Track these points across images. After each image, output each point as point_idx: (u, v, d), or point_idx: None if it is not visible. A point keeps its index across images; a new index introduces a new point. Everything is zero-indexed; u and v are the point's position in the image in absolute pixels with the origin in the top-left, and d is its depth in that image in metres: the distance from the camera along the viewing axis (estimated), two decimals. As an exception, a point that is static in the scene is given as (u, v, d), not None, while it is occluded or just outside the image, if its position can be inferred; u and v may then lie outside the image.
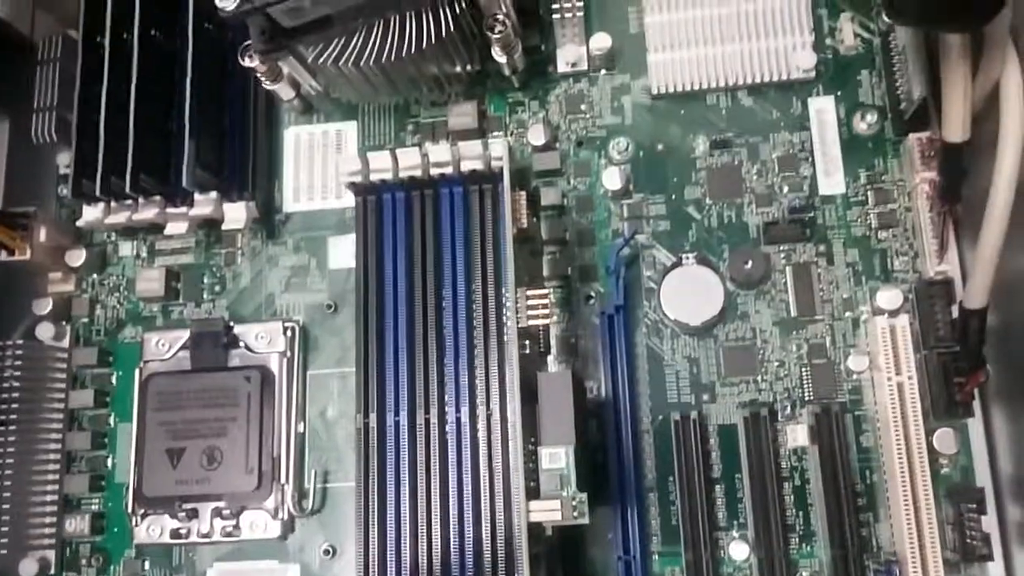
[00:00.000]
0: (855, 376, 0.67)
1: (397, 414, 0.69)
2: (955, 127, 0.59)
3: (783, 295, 0.70)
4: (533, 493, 0.58)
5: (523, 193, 0.65)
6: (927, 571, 0.59)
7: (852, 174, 0.71)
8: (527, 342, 0.65)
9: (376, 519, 0.67)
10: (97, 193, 0.75)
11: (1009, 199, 0.54)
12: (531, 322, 0.62)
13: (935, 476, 0.62)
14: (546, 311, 0.62)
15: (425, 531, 0.66)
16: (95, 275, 0.81)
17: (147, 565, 0.73)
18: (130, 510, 0.71)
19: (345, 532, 0.70)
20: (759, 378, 0.68)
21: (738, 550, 0.65)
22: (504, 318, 0.64)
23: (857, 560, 0.62)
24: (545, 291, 0.62)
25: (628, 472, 0.67)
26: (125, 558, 0.73)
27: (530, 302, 0.63)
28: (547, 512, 0.53)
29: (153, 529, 0.71)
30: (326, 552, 0.71)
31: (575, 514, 0.54)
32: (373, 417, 0.69)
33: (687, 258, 0.71)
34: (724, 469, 0.67)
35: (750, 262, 0.69)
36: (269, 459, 0.71)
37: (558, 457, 0.55)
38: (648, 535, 0.67)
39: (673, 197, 0.73)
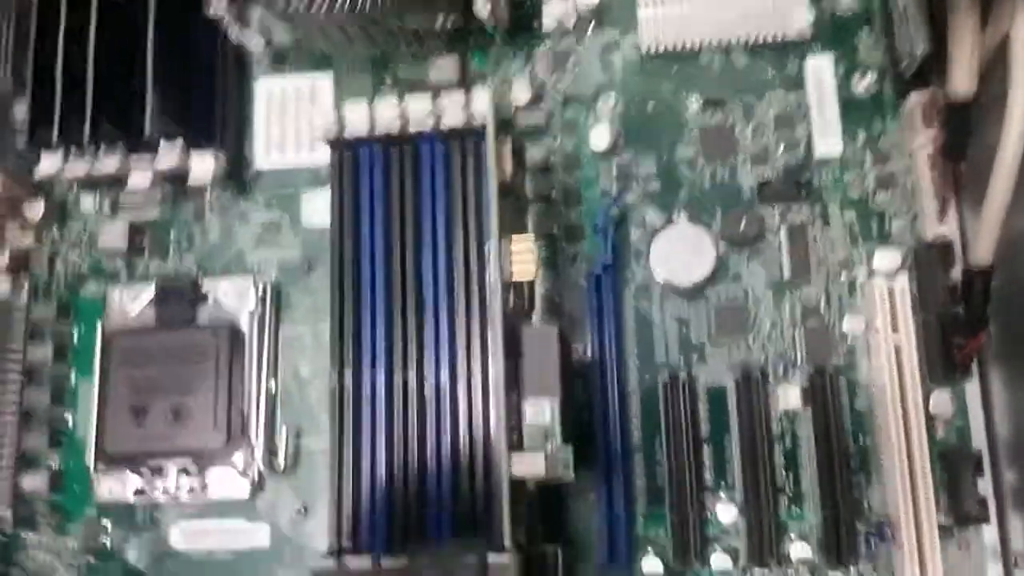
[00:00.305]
0: (850, 339, 0.65)
1: (374, 372, 0.67)
2: (962, 80, 0.58)
3: (777, 256, 0.68)
4: (516, 448, 0.56)
5: (508, 141, 0.62)
6: (920, 534, 0.58)
7: (850, 134, 0.69)
8: (511, 295, 0.62)
9: (351, 478, 0.65)
10: (54, 140, 0.71)
11: (1019, 152, 0.53)
12: (516, 275, 0.59)
13: (930, 439, 0.61)
14: (531, 260, 0.59)
15: (401, 490, 0.64)
16: (55, 228, 0.77)
17: (108, 524, 0.69)
18: (91, 467, 0.68)
19: (318, 492, 0.67)
20: (751, 340, 0.67)
21: (726, 512, 0.63)
22: (487, 271, 0.62)
23: (848, 522, 0.60)
24: (529, 236, 0.60)
25: (613, 433, 0.65)
26: (85, 517, 0.70)
27: (515, 250, 0.60)
28: (530, 466, 0.51)
29: (115, 487, 0.68)
30: (298, 512, 0.68)
31: (560, 468, 0.51)
32: (349, 375, 0.67)
33: (678, 218, 0.69)
34: (713, 431, 0.65)
35: (744, 222, 0.67)
36: (238, 416, 0.68)
37: (542, 410, 0.53)
38: (633, 497, 0.65)
39: (664, 157, 0.71)
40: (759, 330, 0.67)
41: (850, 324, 0.65)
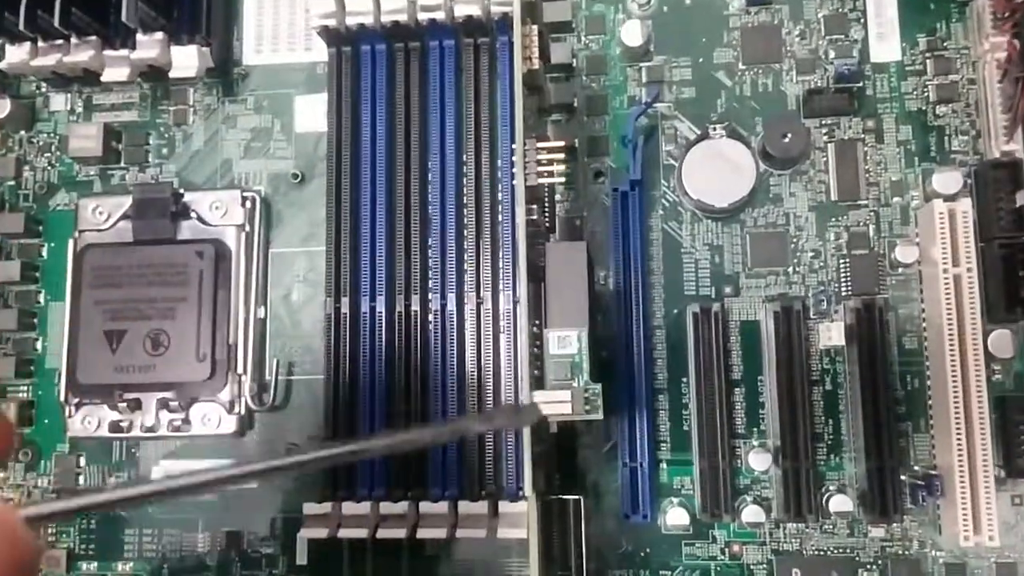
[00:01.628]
0: (901, 270, 0.59)
1: (373, 299, 0.60)
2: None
3: (823, 176, 0.61)
4: (537, 384, 0.50)
5: (535, 28, 0.54)
6: (975, 486, 0.53)
7: (909, 39, 0.61)
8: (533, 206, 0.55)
9: (345, 417, 0.59)
10: (20, 27, 0.63)
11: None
12: (541, 179, 0.52)
13: (988, 383, 0.55)
14: (560, 167, 0.52)
15: (403, 424, 0.58)
16: (22, 132, 0.70)
17: (82, 461, 0.64)
18: (63, 399, 0.62)
19: (311, 430, 0.61)
20: (790, 270, 0.60)
21: (758, 460, 0.57)
22: (504, 181, 0.55)
23: (893, 473, 0.55)
24: (559, 143, 0.52)
25: (637, 371, 0.59)
26: (57, 453, 0.64)
27: (540, 156, 0.53)
28: (555, 404, 0.44)
29: (89, 421, 0.62)
30: (288, 451, 0.62)
31: (587, 408, 0.45)
32: (345, 302, 0.60)
33: (714, 130, 0.62)
34: (745, 370, 0.59)
35: (788, 136, 0.59)
36: (224, 346, 0.62)
37: (568, 342, 0.46)
38: (656, 441, 0.59)
39: (701, 60, 0.63)
40: (800, 259, 0.60)
41: (902, 253, 0.58)
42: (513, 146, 0.53)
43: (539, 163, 0.53)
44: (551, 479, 0.55)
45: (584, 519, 0.52)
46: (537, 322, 0.48)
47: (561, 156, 0.53)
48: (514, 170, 0.53)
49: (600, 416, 0.45)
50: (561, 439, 0.56)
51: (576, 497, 0.51)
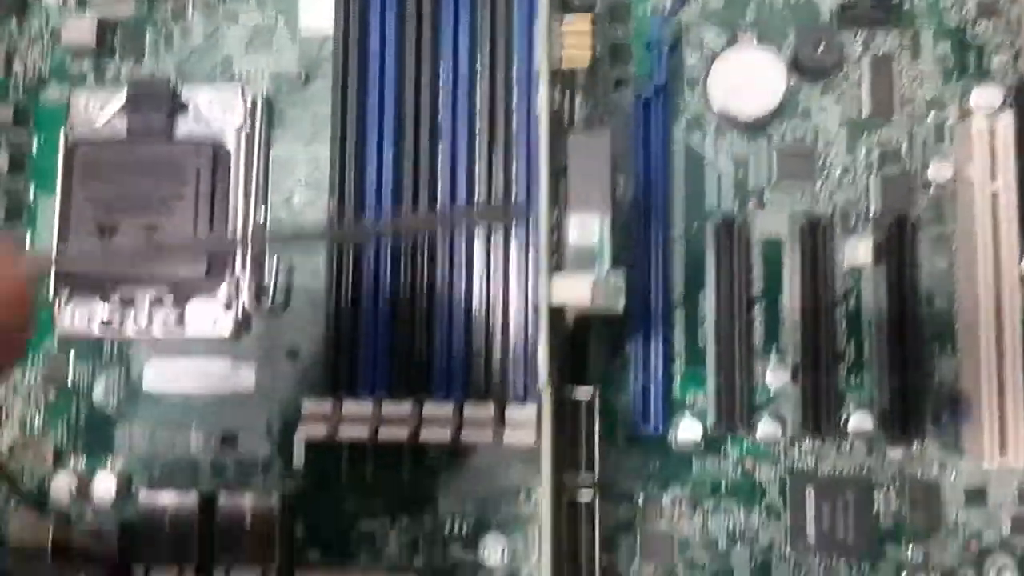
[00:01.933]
0: (933, 188, 0.57)
1: (378, 202, 0.58)
2: None
3: (855, 91, 0.58)
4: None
5: None
6: (1003, 407, 0.51)
7: (950, -52, 0.59)
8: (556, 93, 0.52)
9: (347, 323, 0.57)
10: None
11: None
12: (566, 62, 0.49)
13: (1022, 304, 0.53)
14: (587, 44, 0.49)
15: (407, 335, 0.56)
16: (13, 22, 0.66)
17: (71, 359, 0.61)
18: (51, 293, 0.59)
19: (311, 332, 0.59)
20: (818, 187, 0.58)
21: (776, 376, 0.55)
22: (520, 61, 0.52)
23: (917, 393, 0.53)
24: (586, 16, 0.49)
25: (654, 285, 0.56)
26: (45, 350, 0.61)
27: (568, 30, 0.50)
28: (574, 291, 0.42)
29: (80, 317, 0.59)
30: (289, 355, 0.60)
31: (609, 298, 0.42)
32: (349, 208, 0.58)
33: (743, 39, 0.59)
34: (767, 287, 0.57)
35: (822, 46, 0.57)
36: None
37: (590, 228, 0.44)
38: (671, 356, 0.57)
39: (730, -35, 0.60)
40: (828, 175, 0.58)
41: (936, 170, 0.56)
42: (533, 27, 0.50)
43: (563, 45, 0.50)
44: (563, 376, 0.52)
45: (598, 414, 0.49)
46: (557, 210, 0.45)
47: (588, 38, 0.50)
48: (534, 49, 0.50)
49: (621, 308, 0.42)
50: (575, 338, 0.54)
51: (590, 390, 0.48)
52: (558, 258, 0.43)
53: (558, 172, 0.49)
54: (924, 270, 0.56)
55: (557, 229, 0.43)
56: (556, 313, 0.43)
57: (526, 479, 0.57)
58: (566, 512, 0.46)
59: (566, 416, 0.46)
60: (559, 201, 0.43)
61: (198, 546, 0.56)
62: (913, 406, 0.53)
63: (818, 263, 0.55)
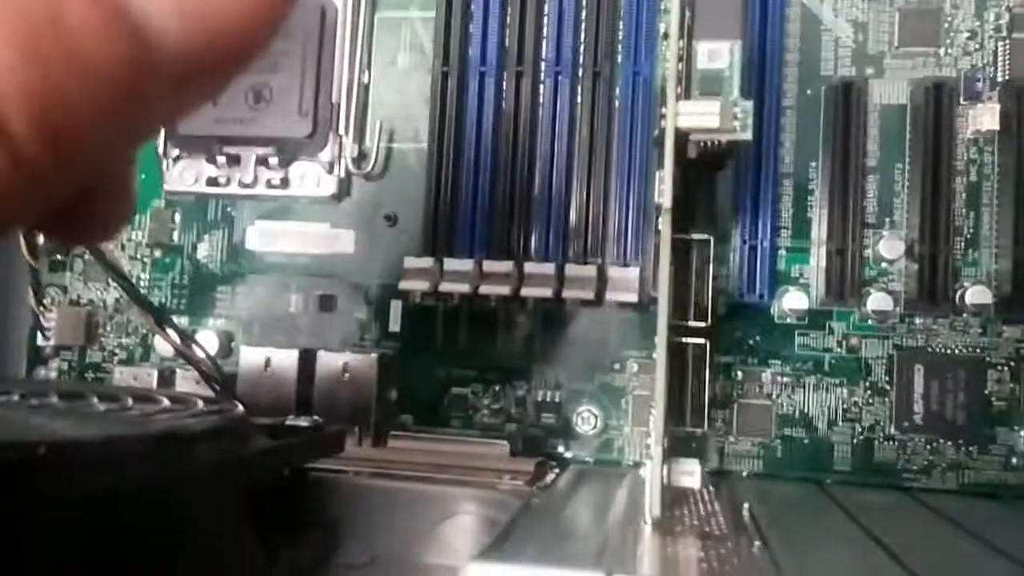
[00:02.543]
0: (1069, 53, 0.54)
1: (483, 65, 0.57)
2: None
3: (987, -51, 0.55)
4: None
5: None
6: None
7: None
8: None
9: (450, 185, 0.57)
10: None
11: None
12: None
13: None
14: None
15: (507, 200, 0.56)
16: None
17: (177, 217, 0.62)
18: (161, 151, 0.60)
19: (411, 199, 0.59)
20: (942, 51, 0.55)
21: (890, 247, 0.53)
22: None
23: (1040, 269, 0.51)
24: None
25: (765, 152, 0.55)
26: (153, 207, 0.63)
27: None
28: (701, 116, 0.40)
29: (187, 174, 0.60)
30: (387, 219, 0.60)
31: (737, 124, 0.41)
32: (454, 66, 0.57)
33: None
34: (882, 157, 0.55)
35: (954, -99, 0.54)
36: (327, 105, 0.59)
37: (720, 55, 0.42)
38: (777, 227, 0.55)
39: None
40: (954, 40, 0.55)
41: (1073, 35, 0.53)
42: None
43: None
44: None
45: (712, 263, 0.47)
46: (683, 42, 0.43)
47: None
48: None
49: (748, 136, 0.41)
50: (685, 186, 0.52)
51: (705, 237, 0.47)
52: (685, 87, 0.41)
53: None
54: (1054, 139, 0.53)
55: (686, 58, 0.42)
56: (683, 139, 0.41)
57: (621, 348, 0.56)
58: (674, 365, 0.45)
59: (677, 267, 0.45)
60: (686, 29, 0.42)
61: (296, 405, 0.57)
62: (1036, 281, 0.51)
63: (940, 131, 0.53)
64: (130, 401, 0.40)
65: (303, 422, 0.45)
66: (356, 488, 0.47)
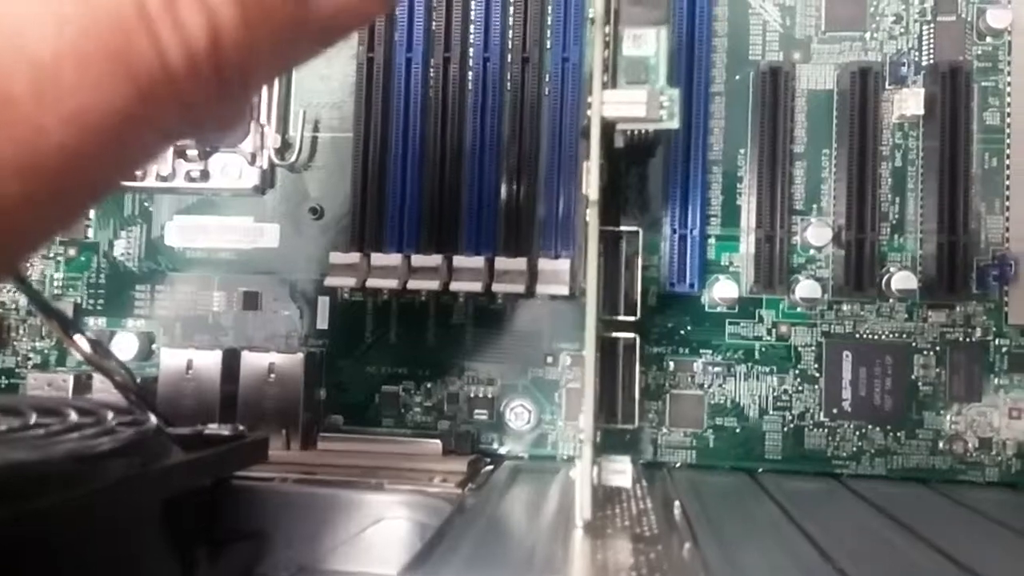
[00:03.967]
0: (989, 38, 0.54)
1: (409, 50, 0.56)
2: None
3: (910, -68, 0.55)
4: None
5: None
6: (1053, 266, 0.49)
7: None
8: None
9: (376, 176, 0.55)
10: None
11: None
12: None
13: (1077, 159, 0.50)
14: None
15: (435, 192, 0.54)
16: None
17: (92, 213, 0.59)
18: (69, 145, 0.57)
19: (337, 190, 0.57)
20: (868, 35, 0.55)
21: (817, 234, 0.53)
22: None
23: (965, 251, 0.51)
24: None
25: (694, 139, 0.54)
26: (63, 204, 0.60)
27: None
28: (627, 105, 0.39)
29: (97, 169, 0.57)
30: (312, 211, 0.58)
31: (664, 113, 0.40)
32: (379, 52, 0.56)
33: None
34: (809, 142, 0.55)
35: None
36: (245, 94, 0.57)
37: (645, 41, 0.41)
38: (707, 215, 0.55)
39: None
40: (879, 24, 0.55)
41: (993, 18, 0.53)
42: None
43: None
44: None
45: (641, 255, 0.47)
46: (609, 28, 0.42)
47: None
48: None
49: (676, 125, 0.40)
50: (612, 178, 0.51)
51: (634, 229, 0.46)
52: (612, 75, 0.40)
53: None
54: (976, 124, 0.53)
55: (612, 44, 0.40)
56: (608, 130, 0.40)
57: (553, 341, 0.56)
58: (605, 360, 0.44)
59: (606, 260, 0.44)
60: (612, 15, 0.41)
61: (220, 407, 0.55)
62: (960, 264, 0.51)
63: (867, 117, 0.53)
64: (34, 417, 0.38)
65: (224, 430, 0.43)
66: (281, 496, 0.46)
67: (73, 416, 0.38)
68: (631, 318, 0.46)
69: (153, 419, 0.39)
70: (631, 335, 0.46)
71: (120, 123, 0.16)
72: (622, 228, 0.46)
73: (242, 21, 0.17)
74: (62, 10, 0.15)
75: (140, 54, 0.16)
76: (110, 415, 0.39)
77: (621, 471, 0.41)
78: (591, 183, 0.37)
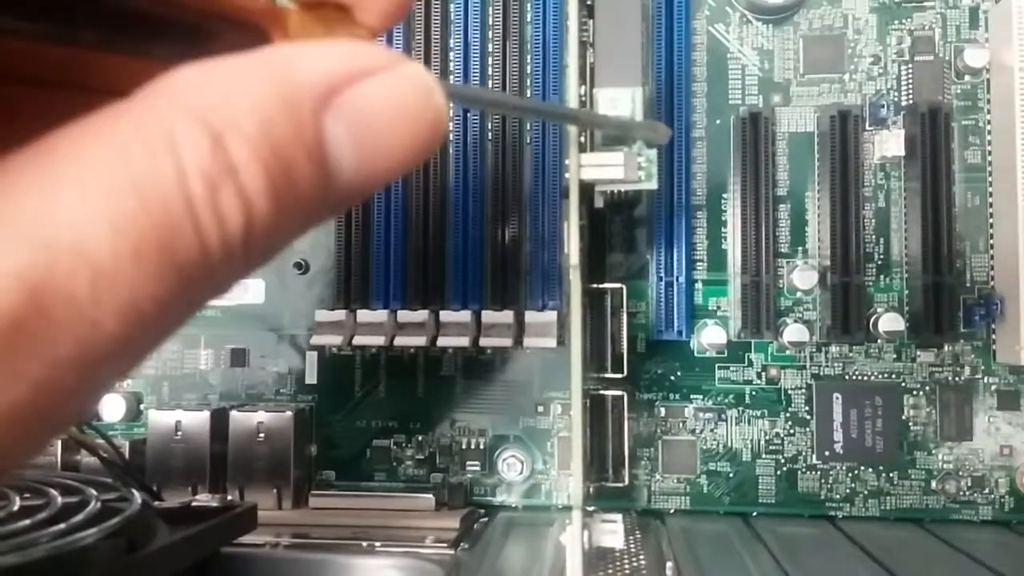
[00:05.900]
0: (968, 77, 0.54)
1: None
2: None
3: (886, -26, 0.55)
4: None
5: None
6: (1040, 305, 0.49)
7: None
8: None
9: (360, 229, 0.55)
10: None
11: None
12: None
13: (1057, 198, 0.51)
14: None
15: (420, 247, 0.54)
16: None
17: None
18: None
19: (322, 244, 0.57)
20: (847, 77, 0.55)
21: (803, 278, 0.53)
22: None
23: (951, 291, 0.51)
24: None
25: (677, 185, 0.54)
26: (46, 266, 0.59)
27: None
28: (605, 168, 0.39)
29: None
30: (297, 266, 0.58)
31: (642, 174, 0.40)
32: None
33: (768, -78, 0.56)
34: (792, 185, 0.55)
35: (850, -72, 0.54)
36: (226, 152, 0.57)
37: (621, 102, 0.41)
38: (693, 260, 0.55)
39: None
40: (857, 65, 0.55)
41: (971, 57, 0.53)
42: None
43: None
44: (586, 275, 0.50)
45: (626, 308, 0.47)
46: (584, 85, 0.42)
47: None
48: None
49: (654, 185, 0.40)
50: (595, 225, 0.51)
51: (617, 286, 0.46)
52: (589, 135, 0.40)
53: (586, 44, 0.47)
54: (957, 163, 0.53)
55: (588, 105, 0.40)
56: (587, 192, 0.40)
57: (544, 391, 0.55)
58: (594, 413, 0.44)
59: (592, 315, 0.44)
60: (588, 75, 0.41)
61: (210, 468, 0.55)
62: (946, 304, 0.51)
63: (848, 158, 0.53)
64: (18, 502, 0.38)
65: (213, 502, 0.43)
66: (273, 563, 0.46)
67: (58, 500, 0.38)
68: (618, 375, 0.45)
69: (139, 497, 0.39)
70: (619, 393, 0.45)
71: (163, 309, 0.17)
72: (606, 285, 0.46)
73: (275, 208, 0.17)
74: (119, 206, 0.16)
75: (184, 244, 0.16)
76: (95, 494, 0.39)
77: (612, 531, 0.41)
78: (571, 248, 0.37)
